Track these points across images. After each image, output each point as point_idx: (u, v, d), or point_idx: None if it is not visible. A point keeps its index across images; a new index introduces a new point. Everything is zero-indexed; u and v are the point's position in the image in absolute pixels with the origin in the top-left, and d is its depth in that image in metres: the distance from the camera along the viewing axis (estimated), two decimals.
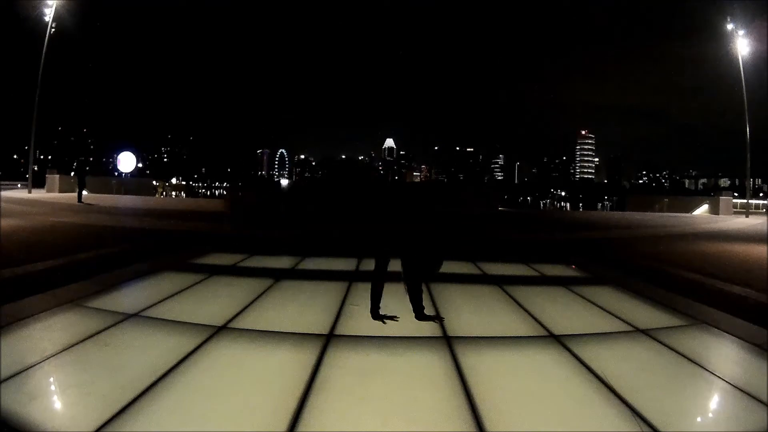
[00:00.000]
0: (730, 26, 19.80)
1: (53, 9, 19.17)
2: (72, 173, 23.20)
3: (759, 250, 7.54)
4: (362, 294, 3.38)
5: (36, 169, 22.02)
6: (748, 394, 2.08)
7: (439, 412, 1.84)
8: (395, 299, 3.07)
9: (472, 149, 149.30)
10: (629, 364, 2.40)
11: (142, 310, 3.02)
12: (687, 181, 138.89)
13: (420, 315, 2.94)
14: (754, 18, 19.60)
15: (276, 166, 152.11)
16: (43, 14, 19.11)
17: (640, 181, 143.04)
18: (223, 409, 1.81)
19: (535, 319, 3.10)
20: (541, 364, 2.37)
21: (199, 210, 13.41)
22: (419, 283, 2.97)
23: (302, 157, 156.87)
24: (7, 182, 28.38)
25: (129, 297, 3.40)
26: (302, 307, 3.23)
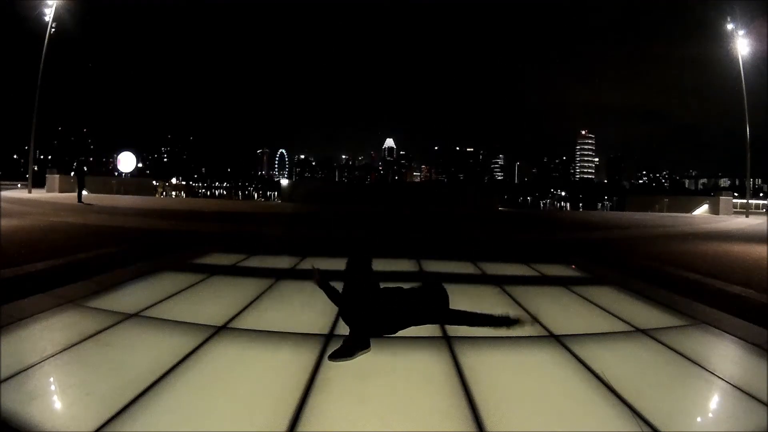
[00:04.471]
0: (730, 26, 19.82)
1: (53, 9, 19.18)
2: (72, 173, 23.19)
3: (759, 250, 7.54)
4: None
5: (36, 169, 22.02)
6: (748, 394, 2.08)
7: (439, 412, 1.84)
8: None
9: (472, 149, 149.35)
10: (629, 364, 2.40)
11: (142, 310, 3.01)
12: (687, 181, 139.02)
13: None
14: (754, 18, 19.61)
15: (276, 166, 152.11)
16: (43, 14, 19.13)
17: (640, 181, 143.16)
18: (223, 409, 1.81)
19: (535, 319, 3.09)
20: (541, 364, 2.37)
21: (200, 210, 13.41)
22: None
23: (302, 157, 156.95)
24: (7, 182, 28.41)
25: (129, 297, 3.39)
26: (302, 307, 3.23)
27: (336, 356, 2.32)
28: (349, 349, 2.35)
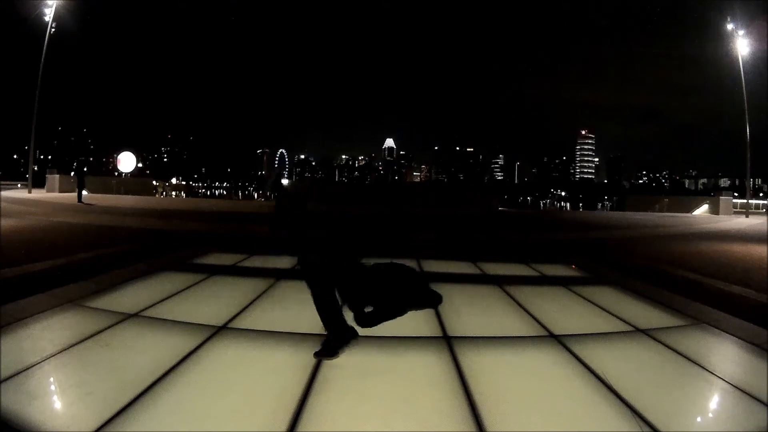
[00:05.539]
0: (730, 26, 19.83)
1: (53, 9, 19.19)
2: (72, 173, 23.20)
3: (759, 250, 7.54)
4: None
5: (36, 169, 22.02)
6: (748, 394, 2.08)
7: (439, 412, 1.84)
8: None
9: (472, 149, 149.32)
10: (629, 364, 2.40)
11: (142, 310, 3.01)
12: (687, 181, 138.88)
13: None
14: (754, 18, 19.62)
15: (276, 166, 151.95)
16: (43, 14, 19.13)
17: (640, 181, 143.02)
18: (223, 409, 1.81)
19: (535, 319, 3.10)
20: (541, 364, 2.37)
21: (200, 210, 13.41)
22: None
23: (302, 157, 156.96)
24: (7, 182, 28.37)
25: (129, 297, 3.39)
26: (302, 307, 3.22)
27: (319, 355, 2.31)
28: (332, 348, 2.34)
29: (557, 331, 2.85)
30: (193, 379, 2.07)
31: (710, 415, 2.06)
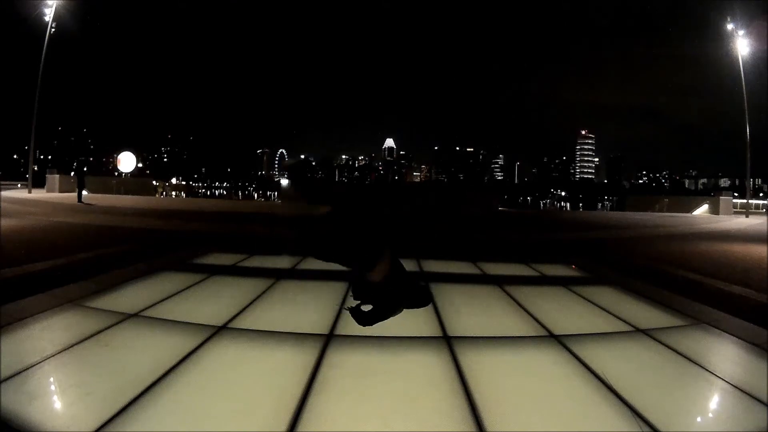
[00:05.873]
0: (730, 26, 19.83)
1: (53, 9, 19.20)
2: (72, 173, 23.20)
3: (759, 250, 7.54)
4: None
5: (36, 169, 22.03)
6: (748, 394, 2.08)
7: (439, 412, 1.84)
8: None
9: (472, 149, 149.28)
10: (629, 364, 2.40)
11: (142, 310, 3.01)
12: (687, 181, 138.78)
13: None
14: (754, 18, 19.63)
15: (276, 166, 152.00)
16: (43, 14, 19.14)
17: (640, 181, 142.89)
18: (223, 409, 1.81)
19: (535, 319, 3.10)
20: (541, 364, 2.37)
21: (200, 210, 13.41)
22: None
23: (302, 157, 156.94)
24: (7, 182, 28.38)
25: (129, 297, 3.39)
26: (302, 307, 3.23)
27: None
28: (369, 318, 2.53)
29: (557, 331, 2.85)
30: (193, 379, 2.07)
31: (710, 415, 2.06)
